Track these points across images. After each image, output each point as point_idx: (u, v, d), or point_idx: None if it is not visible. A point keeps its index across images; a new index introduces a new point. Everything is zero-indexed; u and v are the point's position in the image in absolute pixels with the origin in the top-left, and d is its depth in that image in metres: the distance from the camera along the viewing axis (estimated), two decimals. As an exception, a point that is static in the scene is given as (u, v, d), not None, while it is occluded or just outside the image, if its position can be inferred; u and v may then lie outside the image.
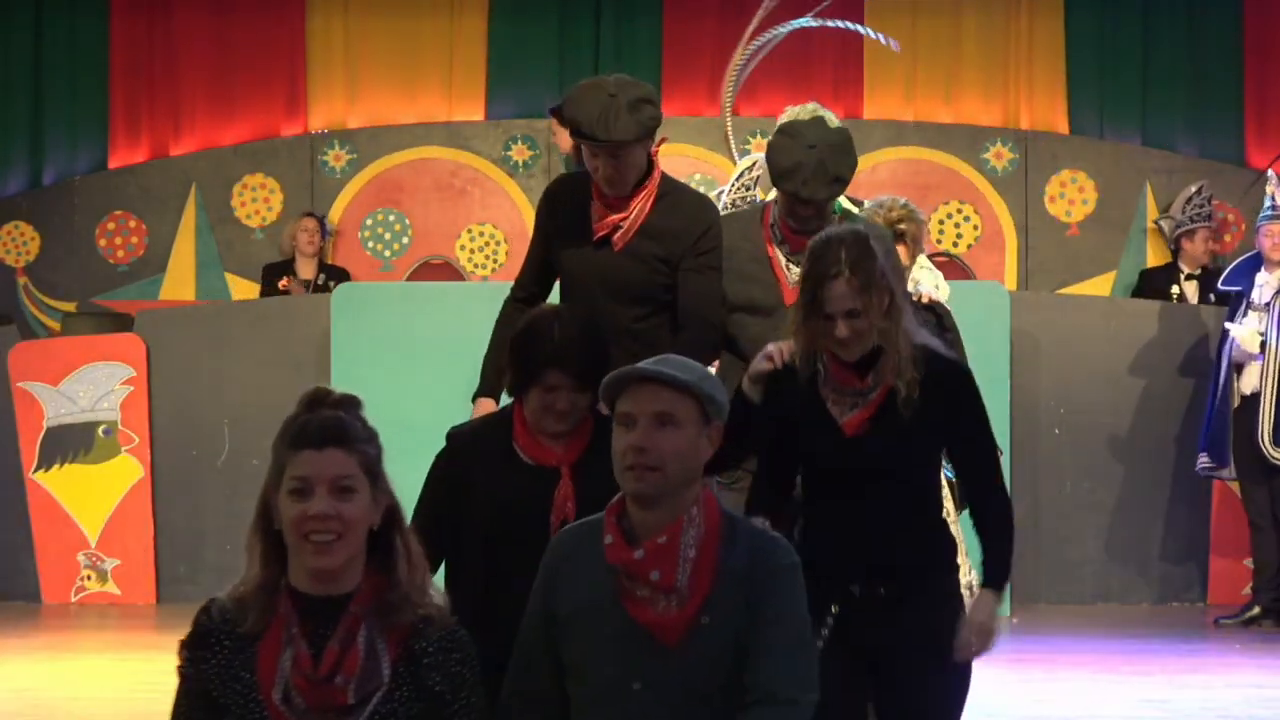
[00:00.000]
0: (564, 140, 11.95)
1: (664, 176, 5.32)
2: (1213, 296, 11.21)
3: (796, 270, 5.25)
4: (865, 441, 4.28)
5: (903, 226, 6.40)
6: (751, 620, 3.62)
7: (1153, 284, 11.92)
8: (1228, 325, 10.11)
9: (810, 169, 5.31)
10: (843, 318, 4.23)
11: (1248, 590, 10.27)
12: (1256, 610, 10.04)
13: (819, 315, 4.26)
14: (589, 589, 3.65)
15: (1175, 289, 11.75)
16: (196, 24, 13.04)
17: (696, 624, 3.60)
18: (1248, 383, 10.04)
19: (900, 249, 6.11)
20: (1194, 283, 11.77)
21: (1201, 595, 10.73)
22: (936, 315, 6.34)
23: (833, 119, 6.44)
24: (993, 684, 8.05)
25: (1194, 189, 12.06)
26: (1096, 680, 8.23)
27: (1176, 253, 12.06)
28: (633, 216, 5.25)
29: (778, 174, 5.34)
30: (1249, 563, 10.35)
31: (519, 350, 4.35)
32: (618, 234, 5.25)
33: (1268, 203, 10.21)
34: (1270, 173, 10.59)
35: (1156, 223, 12.35)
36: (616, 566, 3.61)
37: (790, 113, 6.41)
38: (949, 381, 4.33)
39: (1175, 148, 12.78)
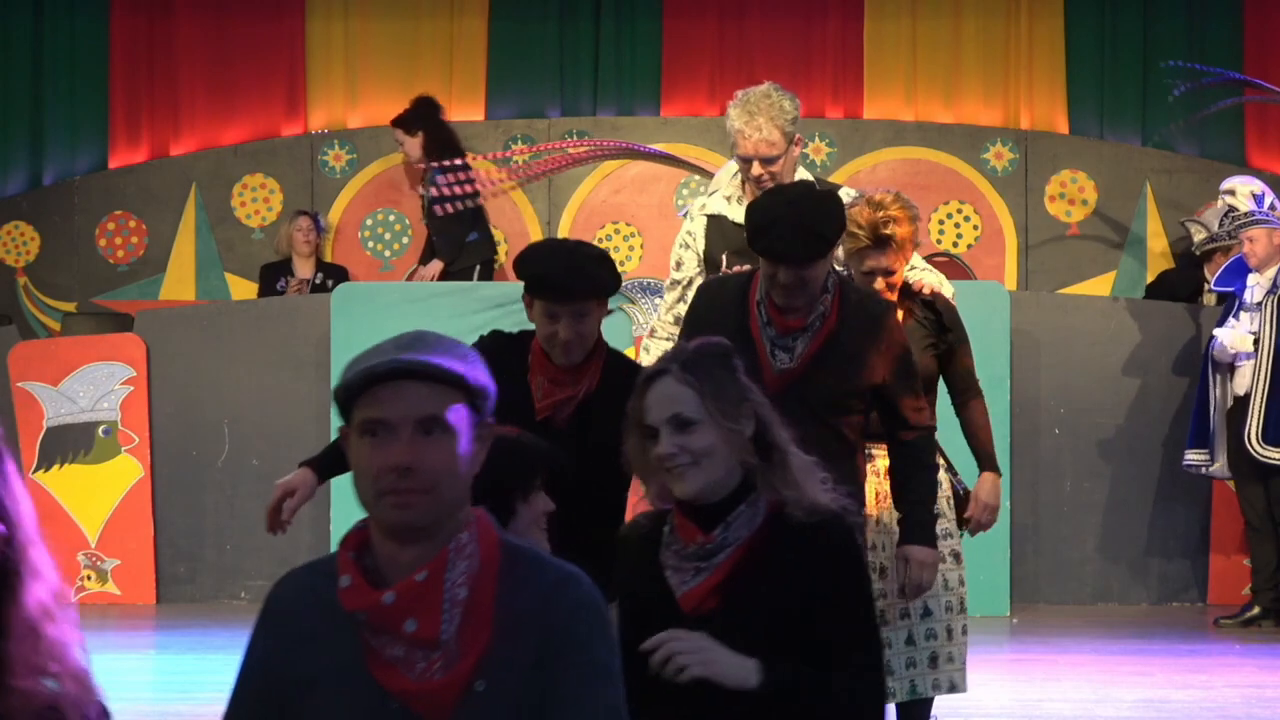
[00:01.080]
0: (412, 149, 12.02)
1: (608, 348, 4.87)
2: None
3: (784, 356, 4.86)
4: (709, 624, 3.28)
5: (889, 230, 5.54)
6: (546, 684, 2.70)
7: (1172, 289, 11.69)
8: (1216, 332, 10.12)
9: (787, 224, 4.76)
10: (666, 427, 3.35)
11: (1248, 590, 10.27)
12: (1256, 610, 10.05)
13: (639, 432, 3.40)
14: (325, 650, 2.72)
15: (1199, 301, 11.58)
16: (196, 24, 13.04)
17: (469, 692, 2.68)
18: (1240, 383, 10.05)
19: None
20: (1215, 296, 11.59)
21: (1201, 595, 10.73)
22: (935, 313, 5.79)
23: (788, 107, 6.09)
24: (993, 684, 8.05)
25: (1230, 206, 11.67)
26: (1096, 680, 8.23)
27: (1202, 262, 11.79)
28: (581, 393, 4.75)
29: (752, 231, 4.84)
30: (1249, 562, 10.36)
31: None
32: (560, 413, 4.76)
33: (1247, 206, 10.16)
34: (1226, 184, 10.48)
35: (1184, 224, 12.24)
36: (359, 616, 2.68)
37: (740, 97, 6.24)
38: (827, 542, 3.36)
39: (1175, 148, 12.78)
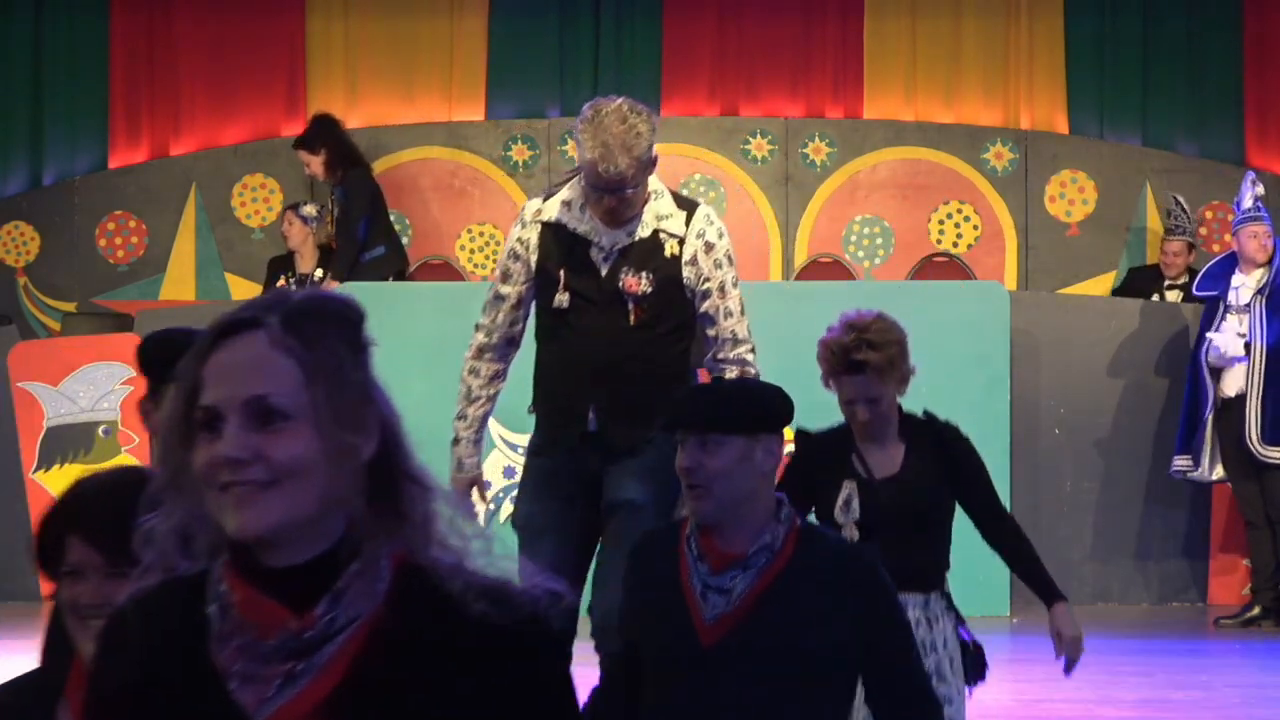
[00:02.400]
0: (317, 167, 11.99)
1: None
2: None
3: (717, 600, 3.71)
4: None
5: (860, 356, 4.85)
6: None
7: (1138, 283, 11.94)
8: (1210, 335, 10.13)
9: (696, 392, 4.16)
10: (237, 416, 1.97)
11: (1248, 590, 10.28)
12: (1256, 610, 10.06)
13: (186, 414, 2.00)
14: None
15: (1156, 296, 11.75)
16: (196, 24, 13.05)
17: None
18: (1231, 385, 10.07)
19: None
20: (1176, 291, 11.76)
21: (1201, 595, 10.74)
22: (936, 433, 5.02)
23: (644, 130, 5.25)
24: (992, 684, 8.05)
25: (1173, 200, 12.02)
26: (1096, 680, 8.23)
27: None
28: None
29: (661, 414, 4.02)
30: (1248, 562, 10.36)
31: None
32: None
33: (1248, 203, 10.22)
34: (1249, 172, 10.61)
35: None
36: None
37: (590, 118, 5.28)
38: (511, 652, 2.00)
39: (1175, 148, 12.78)
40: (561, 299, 5.33)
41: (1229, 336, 10.07)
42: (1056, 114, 12.91)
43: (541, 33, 13.03)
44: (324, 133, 11.94)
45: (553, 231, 5.36)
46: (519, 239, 5.41)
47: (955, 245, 12.54)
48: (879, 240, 12.55)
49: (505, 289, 5.48)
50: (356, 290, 10.83)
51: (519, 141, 12.73)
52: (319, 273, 12.08)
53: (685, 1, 13.04)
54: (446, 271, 12.50)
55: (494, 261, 12.48)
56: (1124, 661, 8.74)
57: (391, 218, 12.73)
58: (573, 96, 13.01)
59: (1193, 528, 10.73)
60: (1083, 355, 10.79)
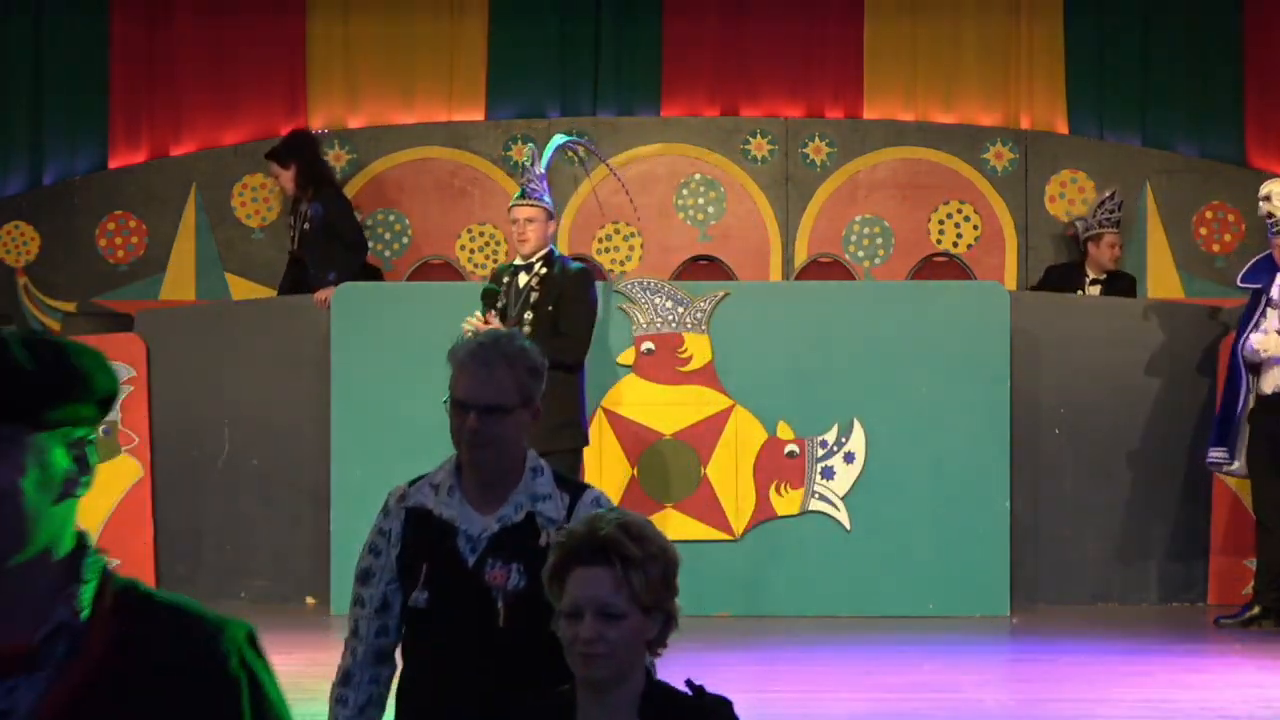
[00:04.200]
0: (286, 181, 11.96)
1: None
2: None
3: None
4: None
5: (607, 531, 3.54)
6: None
7: (1056, 283, 12.00)
8: (1252, 339, 10.11)
9: None
10: None
11: (1248, 590, 10.28)
12: (1257, 610, 10.05)
13: None
14: None
15: (1079, 293, 11.82)
16: (196, 24, 13.05)
17: None
18: (1269, 382, 10.06)
19: None
20: (1098, 287, 11.86)
21: (1202, 595, 10.74)
22: (698, 715, 3.52)
23: (534, 356, 4.41)
24: (993, 684, 8.06)
25: (1108, 194, 12.16)
26: (1096, 681, 8.23)
27: (1084, 255, 12.14)
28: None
29: None
30: (1249, 563, 10.36)
31: None
32: None
33: (1274, 215, 10.20)
34: (1265, 188, 10.58)
35: (1073, 221, 12.46)
36: None
37: (474, 347, 4.43)
38: None
39: (1175, 148, 12.79)
40: (419, 597, 4.45)
41: (1270, 338, 10.05)
42: (1056, 114, 12.91)
43: (541, 33, 13.03)
44: (296, 149, 11.93)
45: (416, 519, 4.48)
46: (380, 530, 4.50)
47: (955, 245, 12.54)
48: (879, 240, 12.55)
49: (365, 592, 4.49)
50: (357, 290, 10.83)
51: (519, 141, 12.72)
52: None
53: (685, 1, 13.04)
54: (446, 271, 12.50)
55: (494, 262, 12.47)
56: (1124, 661, 8.74)
57: (392, 217, 12.75)
58: (573, 97, 13.02)
59: (1193, 528, 10.73)
60: (1083, 355, 10.79)
